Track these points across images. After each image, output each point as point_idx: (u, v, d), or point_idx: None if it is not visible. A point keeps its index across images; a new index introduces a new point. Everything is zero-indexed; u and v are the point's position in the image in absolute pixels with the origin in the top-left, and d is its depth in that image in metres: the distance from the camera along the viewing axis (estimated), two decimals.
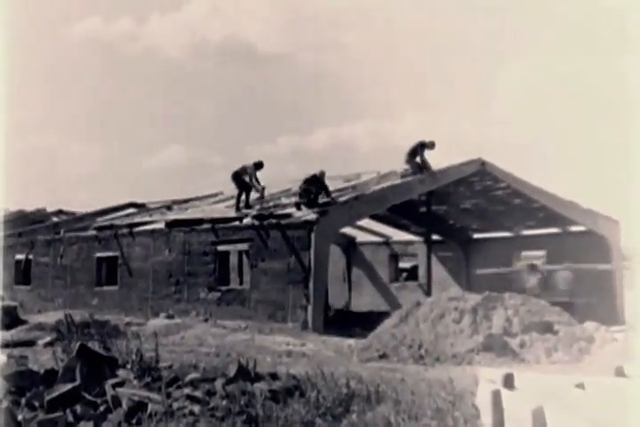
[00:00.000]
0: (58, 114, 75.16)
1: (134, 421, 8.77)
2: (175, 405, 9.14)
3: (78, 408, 9.00)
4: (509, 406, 7.43)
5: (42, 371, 10.24)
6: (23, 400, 9.32)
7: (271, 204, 26.76)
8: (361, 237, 35.06)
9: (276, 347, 18.48)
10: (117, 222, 31.34)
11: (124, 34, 75.50)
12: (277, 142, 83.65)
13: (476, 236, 34.03)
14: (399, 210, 29.82)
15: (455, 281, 31.33)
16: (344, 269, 35.11)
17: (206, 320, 24.19)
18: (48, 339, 17.87)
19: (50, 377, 9.87)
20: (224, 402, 9.25)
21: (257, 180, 26.19)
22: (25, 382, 9.75)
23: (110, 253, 29.46)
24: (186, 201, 33.98)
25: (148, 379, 9.96)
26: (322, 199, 24.52)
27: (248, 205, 26.34)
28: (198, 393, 9.52)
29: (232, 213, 26.59)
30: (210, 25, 77.97)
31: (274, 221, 24.43)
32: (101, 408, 9.09)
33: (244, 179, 26.14)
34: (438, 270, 31.23)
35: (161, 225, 28.58)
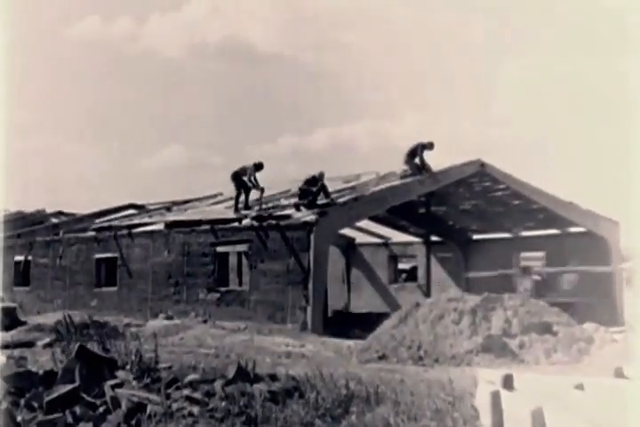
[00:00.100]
0: (57, 114, 75.16)
1: (133, 422, 8.76)
2: (174, 406, 9.13)
3: (77, 409, 8.99)
4: (509, 407, 7.44)
5: (41, 372, 10.23)
6: (22, 401, 9.30)
7: (270, 205, 26.76)
8: (360, 238, 35.06)
9: (275, 348, 18.47)
10: (116, 223, 31.35)
11: (123, 34, 75.56)
12: (277, 142, 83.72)
13: (475, 237, 34.03)
14: (398, 211, 29.82)
15: (454, 282, 31.33)
16: (343, 271, 35.10)
17: (205, 321, 24.19)
18: (47, 340, 17.84)
19: (49, 378, 9.86)
20: (223, 403, 9.25)
21: (256, 181, 26.18)
22: (24, 383, 9.74)
23: (109, 255, 29.46)
24: (185, 202, 33.98)
25: (147, 380, 9.95)
26: (321, 200, 24.52)
27: (247, 206, 26.35)
28: (197, 394, 9.52)
29: (231, 215, 26.60)
30: (210, 25, 78.05)
31: (273, 222, 24.44)
32: (101, 409, 9.08)
33: (243, 179, 26.14)
34: (437, 271, 31.23)
35: (160, 226, 28.59)
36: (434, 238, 31.71)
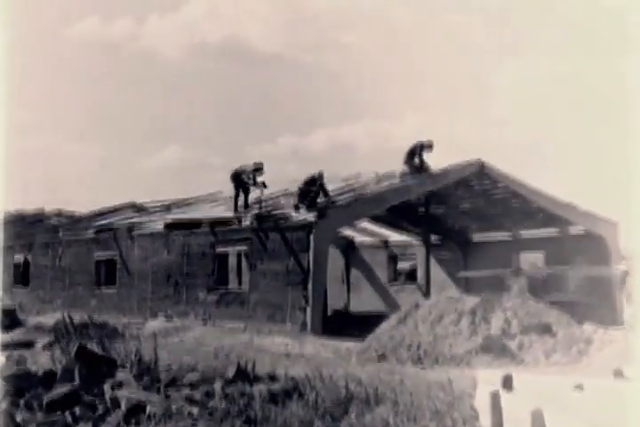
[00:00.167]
0: (57, 114, 75.15)
1: (133, 422, 8.76)
2: (174, 406, 9.13)
3: (77, 410, 8.99)
4: (508, 408, 7.44)
5: (40, 372, 10.23)
6: (22, 402, 9.30)
7: (270, 205, 26.74)
8: (359, 238, 35.05)
9: (274, 348, 18.47)
10: (116, 224, 31.32)
11: (123, 34, 75.48)
12: (277, 143, 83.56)
13: (474, 237, 34.02)
14: (398, 211, 29.82)
15: (454, 283, 31.33)
16: (343, 271, 35.07)
17: (205, 321, 24.19)
18: (47, 340, 17.82)
19: (49, 378, 9.86)
20: (223, 403, 9.25)
21: (255, 182, 26.17)
22: (24, 384, 9.74)
23: (109, 255, 29.45)
24: (185, 202, 33.95)
25: (146, 380, 9.96)
26: (320, 201, 24.51)
27: (247, 206, 26.34)
28: (197, 394, 9.52)
29: (231, 215, 26.59)
30: (209, 25, 77.95)
31: (272, 222, 24.44)
32: (100, 410, 9.08)
33: (242, 179, 26.12)
34: (437, 272, 31.22)
35: (160, 226, 28.57)
36: (433, 239, 31.70)
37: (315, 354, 17.88)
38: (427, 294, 27.00)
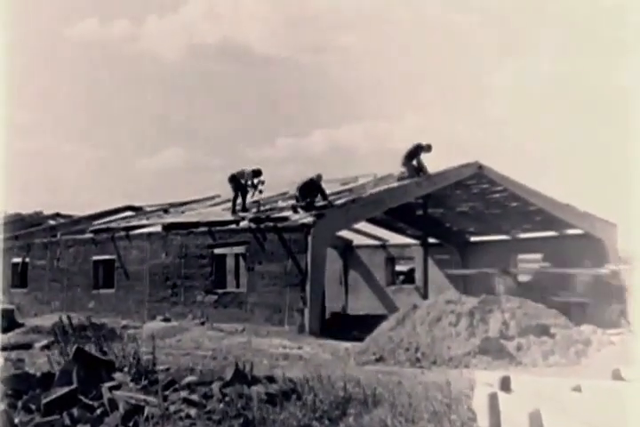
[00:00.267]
0: (57, 114, 75.15)
1: (131, 424, 8.76)
2: (172, 408, 9.13)
3: (75, 411, 8.99)
4: (506, 410, 7.43)
5: (38, 374, 10.23)
6: (20, 403, 9.30)
7: (268, 207, 26.77)
8: (358, 240, 35.06)
9: (272, 350, 18.48)
10: (114, 225, 31.34)
11: (122, 35, 75.46)
12: (276, 144, 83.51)
13: (472, 239, 34.05)
14: (396, 213, 29.85)
15: (452, 284, 31.34)
16: (341, 272, 35.10)
17: (203, 323, 24.19)
18: (45, 342, 17.84)
19: (46, 380, 9.86)
20: (221, 405, 9.25)
21: (254, 185, 26.24)
22: (22, 386, 9.73)
23: (107, 256, 29.44)
24: (183, 204, 33.99)
25: (144, 382, 9.95)
26: (318, 202, 24.53)
27: (245, 209, 26.37)
28: (195, 396, 9.52)
29: (229, 216, 26.61)
30: (207, 26, 77.95)
31: (270, 224, 24.44)
32: (98, 411, 9.07)
33: (240, 181, 26.17)
34: (435, 273, 31.24)
35: (158, 228, 28.58)
36: (431, 240, 31.71)
37: (313, 355, 17.88)
38: (425, 295, 27.01)
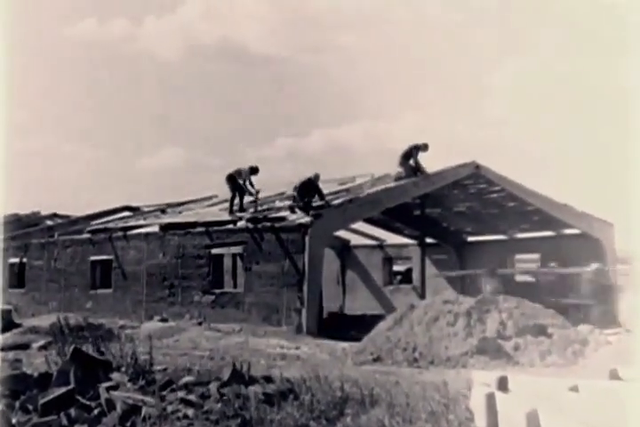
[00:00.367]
0: (57, 114, 75.13)
1: (128, 424, 8.76)
2: (169, 408, 9.13)
3: (72, 412, 8.99)
4: (503, 409, 7.44)
5: (36, 374, 10.23)
6: (17, 404, 9.30)
7: (265, 207, 26.76)
8: (355, 240, 35.06)
9: (270, 350, 18.47)
10: (112, 226, 31.31)
11: (121, 35, 75.46)
12: (274, 144, 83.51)
13: (470, 239, 34.05)
14: (393, 213, 29.84)
15: (449, 284, 31.32)
16: (338, 273, 35.10)
17: (200, 323, 24.18)
18: (42, 342, 17.84)
19: (44, 380, 9.86)
20: (218, 405, 9.25)
21: (252, 184, 26.21)
22: (19, 386, 9.73)
23: (104, 257, 29.42)
24: (180, 204, 33.98)
25: (142, 382, 9.95)
26: (316, 202, 24.53)
27: (242, 209, 26.35)
28: (192, 396, 9.52)
29: (226, 217, 26.60)
30: (205, 26, 77.95)
31: (268, 224, 24.44)
32: (95, 412, 9.07)
33: (238, 181, 26.15)
34: (432, 273, 31.22)
35: (155, 228, 28.56)
36: (429, 240, 31.70)
37: (310, 355, 17.88)
38: (422, 295, 26.99)
